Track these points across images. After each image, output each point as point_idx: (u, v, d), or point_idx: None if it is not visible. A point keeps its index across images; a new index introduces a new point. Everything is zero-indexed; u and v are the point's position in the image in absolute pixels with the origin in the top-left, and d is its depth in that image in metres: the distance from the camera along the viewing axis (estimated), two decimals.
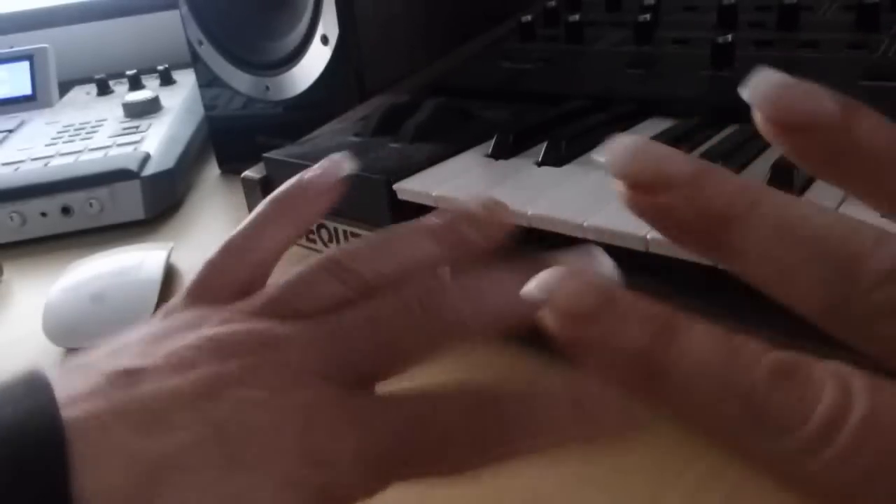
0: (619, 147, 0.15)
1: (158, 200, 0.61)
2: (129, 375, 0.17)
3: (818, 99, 0.15)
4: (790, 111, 0.15)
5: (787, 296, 0.14)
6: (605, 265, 0.20)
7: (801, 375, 0.12)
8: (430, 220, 0.23)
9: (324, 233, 0.42)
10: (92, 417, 0.16)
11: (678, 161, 0.15)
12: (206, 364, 0.17)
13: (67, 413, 0.15)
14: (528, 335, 0.15)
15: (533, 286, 0.14)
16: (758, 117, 0.15)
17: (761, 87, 0.15)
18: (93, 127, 0.72)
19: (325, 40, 0.55)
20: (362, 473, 0.18)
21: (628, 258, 0.30)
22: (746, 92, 0.15)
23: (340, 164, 0.24)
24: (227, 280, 0.22)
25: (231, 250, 0.23)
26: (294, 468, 0.17)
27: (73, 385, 0.17)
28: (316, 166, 0.24)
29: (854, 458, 0.12)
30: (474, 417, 0.18)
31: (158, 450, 0.16)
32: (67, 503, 0.14)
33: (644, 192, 0.15)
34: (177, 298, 0.22)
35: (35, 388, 0.16)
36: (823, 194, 0.31)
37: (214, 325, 0.19)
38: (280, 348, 0.18)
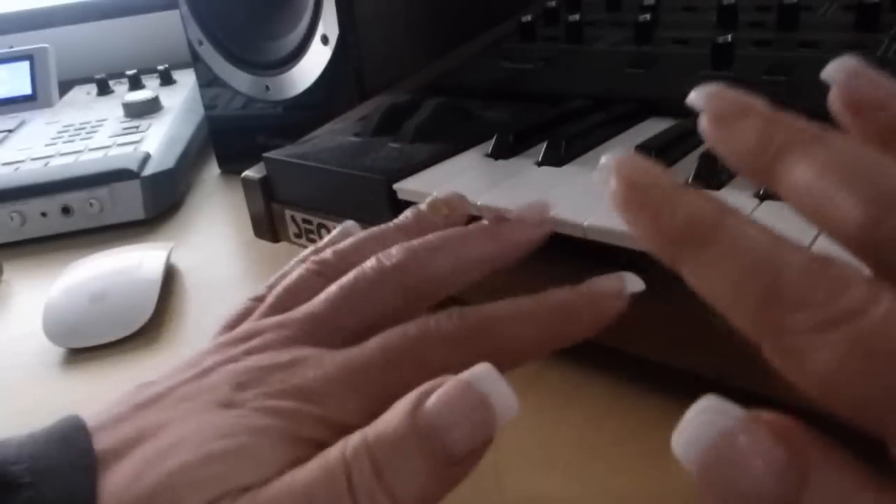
0: (709, 88, 0.18)
1: (158, 200, 0.61)
2: (149, 383, 0.21)
3: (886, 84, 0.17)
4: (863, 91, 0.17)
5: (825, 220, 0.15)
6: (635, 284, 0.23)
7: (836, 268, 0.13)
8: (399, 218, 0.26)
9: (323, 232, 0.42)
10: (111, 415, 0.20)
11: (757, 99, 0.17)
12: (211, 358, 0.21)
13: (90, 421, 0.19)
14: None
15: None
16: (833, 95, 0.17)
17: (842, 69, 0.17)
18: (93, 127, 0.72)
19: (325, 40, 0.56)
20: (357, 402, 0.20)
21: (628, 258, 0.30)
22: (828, 73, 0.18)
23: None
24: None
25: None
26: (285, 404, 0.19)
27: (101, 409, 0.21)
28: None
29: (862, 346, 0.12)
30: (453, 317, 0.21)
31: (161, 410, 0.19)
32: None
33: (727, 121, 0.17)
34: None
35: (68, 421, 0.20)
36: None
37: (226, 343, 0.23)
38: (267, 332, 0.22)
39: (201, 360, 0.21)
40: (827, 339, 0.12)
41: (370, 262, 0.23)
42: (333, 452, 0.17)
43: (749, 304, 0.14)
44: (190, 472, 0.17)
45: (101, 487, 0.17)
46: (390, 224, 0.26)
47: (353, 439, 0.18)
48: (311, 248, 0.27)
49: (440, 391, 0.18)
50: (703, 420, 0.14)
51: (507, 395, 0.18)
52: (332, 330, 0.22)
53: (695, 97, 0.17)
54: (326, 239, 0.28)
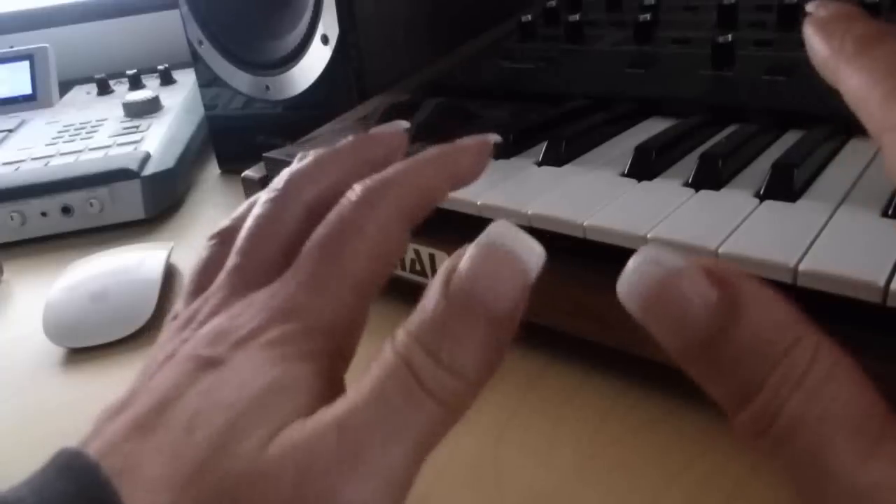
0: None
1: (158, 200, 0.61)
2: (113, 401, 0.19)
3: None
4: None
5: None
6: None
7: None
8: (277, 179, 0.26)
9: None
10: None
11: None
12: (163, 351, 0.20)
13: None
14: None
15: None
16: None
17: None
18: (93, 127, 0.72)
19: (325, 40, 0.56)
20: (329, 301, 0.19)
21: (629, 258, 0.30)
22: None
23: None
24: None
25: None
26: (269, 334, 0.18)
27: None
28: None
29: None
30: (356, 189, 0.21)
31: (146, 400, 0.18)
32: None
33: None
34: None
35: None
36: (822, 195, 0.31)
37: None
38: (203, 306, 0.21)
39: (153, 360, 0.20)
40: None
41: (262, 200, 0.23)
42: (385, 353, 0.17)
43: (878, 95, 0.17)
44: (237, 422, 0.16)
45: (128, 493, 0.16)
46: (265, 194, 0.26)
47: (399, 333, 0.17)
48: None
49: (464, 259, 0.17)
50: (648, 266, 0.15)
51: (529, 242, 0.17)
52: (263, 271, 0.21)
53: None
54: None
